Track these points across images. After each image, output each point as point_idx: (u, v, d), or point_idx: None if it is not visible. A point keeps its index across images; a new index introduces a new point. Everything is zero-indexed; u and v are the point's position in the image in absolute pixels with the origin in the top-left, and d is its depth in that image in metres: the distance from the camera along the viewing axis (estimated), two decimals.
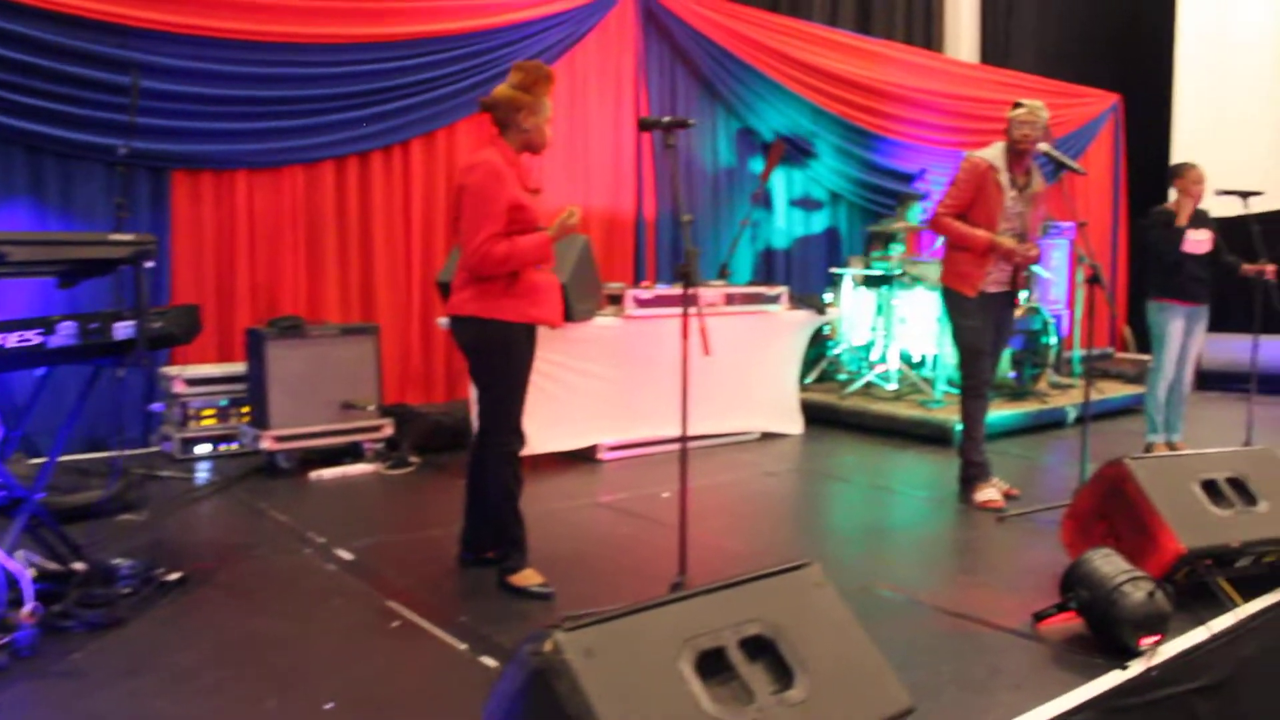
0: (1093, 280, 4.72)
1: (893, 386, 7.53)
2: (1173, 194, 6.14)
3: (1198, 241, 6.06)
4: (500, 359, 3.82)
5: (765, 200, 9.15)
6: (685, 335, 3.61)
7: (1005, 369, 7.38)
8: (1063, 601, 3.32)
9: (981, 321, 5.06)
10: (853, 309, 7.93)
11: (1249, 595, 3.71)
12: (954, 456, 6.20)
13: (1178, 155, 12.86)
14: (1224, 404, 8.63)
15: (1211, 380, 9.32)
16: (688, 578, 3.57)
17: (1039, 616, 3.41)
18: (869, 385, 7.57)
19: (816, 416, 7.34)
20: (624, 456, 6.15)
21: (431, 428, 6.28)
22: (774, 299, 6.64)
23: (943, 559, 4.28)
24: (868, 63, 9.70)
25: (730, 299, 6.44)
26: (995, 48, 12.44)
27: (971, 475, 5.15)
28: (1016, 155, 5.00)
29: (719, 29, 8.48)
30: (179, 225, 6.35)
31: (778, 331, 6.72)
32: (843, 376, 7.79)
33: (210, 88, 6.20)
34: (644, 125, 3.67)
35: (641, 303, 6.07)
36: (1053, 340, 7.75)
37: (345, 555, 4.26)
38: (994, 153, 5.03)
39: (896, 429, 6.83)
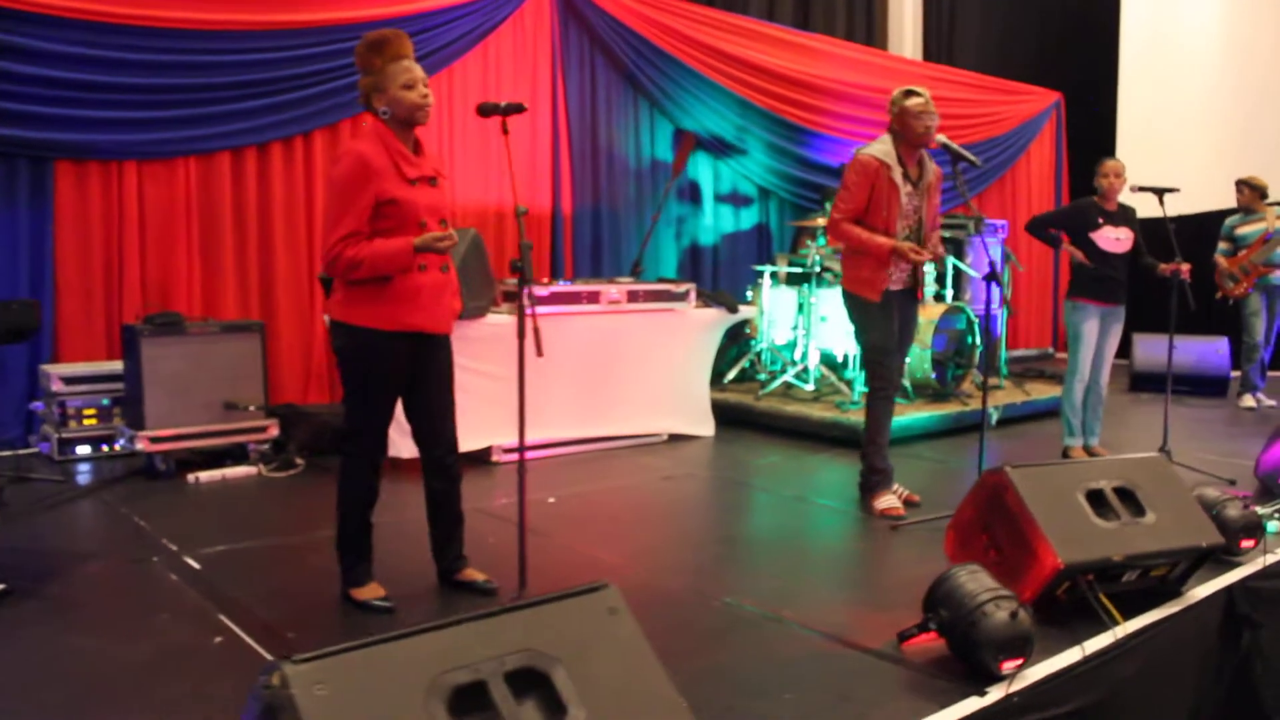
0: (989, 278, 4.53)
1: (810, 387, 7.32)
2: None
3: (1116, 239, 5.89)
4: (365, 368, 3.55)
5: (691, 195, 8.93)
6: (520, 335, 3.36)
7: (927, 370, 7.18)
8: (923, 621, 3.11)
9: (885, 322, 4.85)
10: (775, 307, 7.71)
11: (1134, 611, 3.52)
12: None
13: (1122, 154, 12.81)
14: (1155, 406, 8.47)
15: (1143, 381, 9.18)
16: (527, 592, 3.32)
17: (903, 636, 3.19)
18: (788, 386, 7.36)
19: (732, 417, 7.13)
20: (517, 460, 5.87)
21: (319, 428, 6.01)
22: (681, 296, 6.42)
23: (823, 571, 4.06)
24: (800, 57, 9.52)
25: (633, 296, 6.20)
26: (938, 46, 12.32)
27: (873, 482, 4.94)
28: (909, 148, 4.79)
29: (641, 19, 8.25)
30: (63, 217, 6.06)
31: (686, 330, 6.49)
32: (763, 376, 7.57)
33: (100, 75, 5.91)
34: (482, 111, 3.43)
35: (537, 299, 5.81)
36: (978, 339, 7.57)
37: (193, 564, 4.00)
38: (883, 148, 4.81)
39: (809, 431, 6.63)
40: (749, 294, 7.93)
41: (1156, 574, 3.66)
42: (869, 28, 11.90)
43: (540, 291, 5.84)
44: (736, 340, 8.03)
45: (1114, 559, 3.42)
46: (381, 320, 3.48)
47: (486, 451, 5.84)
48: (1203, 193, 10.31)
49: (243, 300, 6.63)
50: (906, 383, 7.23)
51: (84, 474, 5.45)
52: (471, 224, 7.55)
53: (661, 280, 6.59)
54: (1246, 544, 4.10)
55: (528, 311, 3.39)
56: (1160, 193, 5.81)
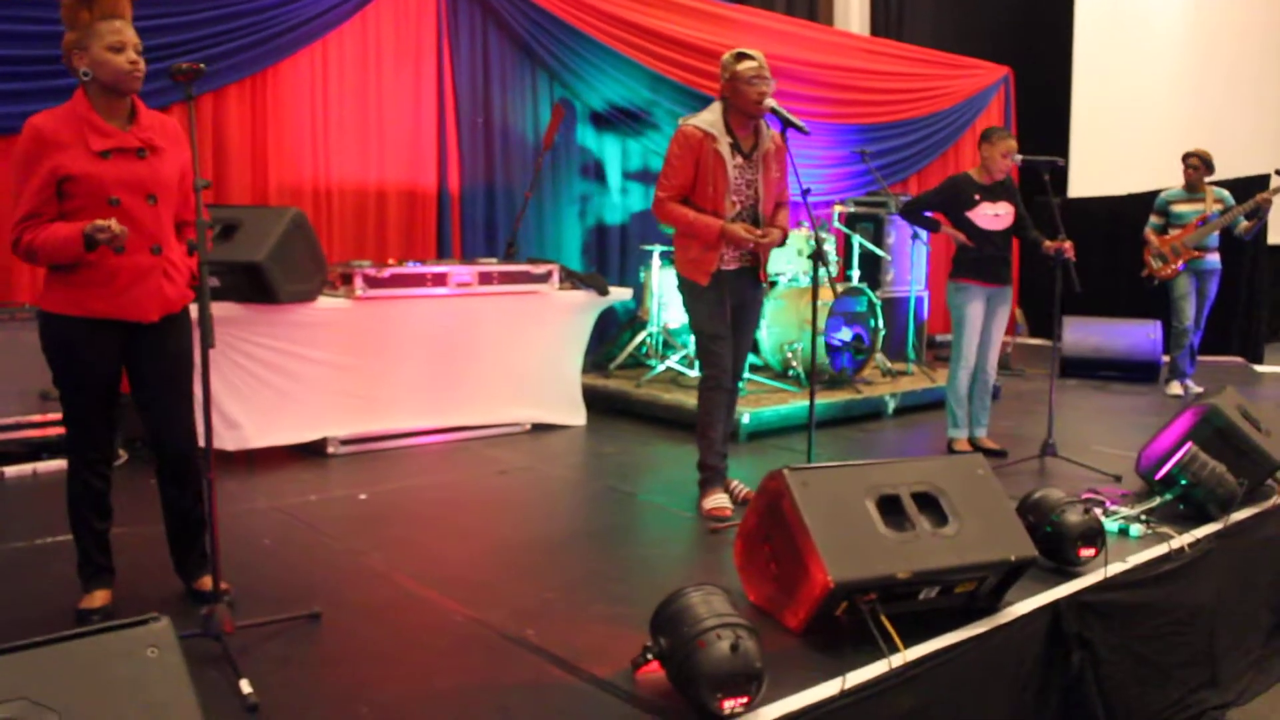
0: (814, 257, 4.11)
1: (695, 374, 6.89)
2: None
3: (995, 215, 5.46)
4: (63, 360, 3.18)
5: (596, 174, 8.49)
6: (202, 324, 2.94)
7: (822, 356, 6.76)
8: (646, 648, 2.70)
9: (716, 306, 4.43)
10: (668, 289, 7.28)
11: (936, 632, 3.12)
12: (739, 451, 5.65)
13: (1076, 132, 12.39)
14: (1079, 393, 8.06)
15: (1073, 366, 8.75)
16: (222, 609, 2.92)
17: (635, 664, 2.78)
18: (674, 373, 6.94)
19: (611, 406, 6.74)
20: (358, 451, 5.50)
21: None
22: (542, 278, 6.00)
23: (602, 582, 3.64)
24: (718, 28, 9.05)
25: (486, 278, 5.78)
26: (887, 22, 11.85)
27: (704, 479, 4.53)
28: (740, 116, 4.35)
29: None
30: None
31: (551, 313, 6.08)
32: (654, 362, 7.14)
33: None
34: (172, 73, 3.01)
35: (373, 282, 5.41)
36: (880, 323, 7.15)
37: None
38: (710, 117, 4.38)
39: (686, 421, 6.18)
40: (641, 275, 7.51)
41: (961, 590, 3.24)
42: (811, 4, 11.44)
43: (376, 273, 5.42)
44: (631, 324, 7.62)
45: (899, 576, 3.01)
46: (74, 307, 3.11)
47: (322, 443, 5.43)
48: (1159, 170, 9.88)
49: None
50: (798, 368, 6.82)
51: None
52: (350, 201, 7.15)
53: (531, 261, 6.17)
54: (1086, 553, 3.69)
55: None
56: (1045, 166, 5.36)
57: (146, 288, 3.16)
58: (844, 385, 6.85)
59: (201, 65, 2.97)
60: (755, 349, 7.22)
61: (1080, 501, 3.77)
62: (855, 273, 7.73)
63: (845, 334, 7.17)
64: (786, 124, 4.23)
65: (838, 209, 7.82)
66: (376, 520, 4.34)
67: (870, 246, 8.05)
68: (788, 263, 7.08)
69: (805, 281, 7.17)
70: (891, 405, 6.83)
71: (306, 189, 6.92)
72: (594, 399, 6.81)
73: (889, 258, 8.39)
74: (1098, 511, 4.32)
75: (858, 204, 8.95)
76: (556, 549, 4.02)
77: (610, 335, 8.00)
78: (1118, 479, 5.11)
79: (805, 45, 9.79)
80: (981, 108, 11.64)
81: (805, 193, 4.19)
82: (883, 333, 7.21)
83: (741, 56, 4.32)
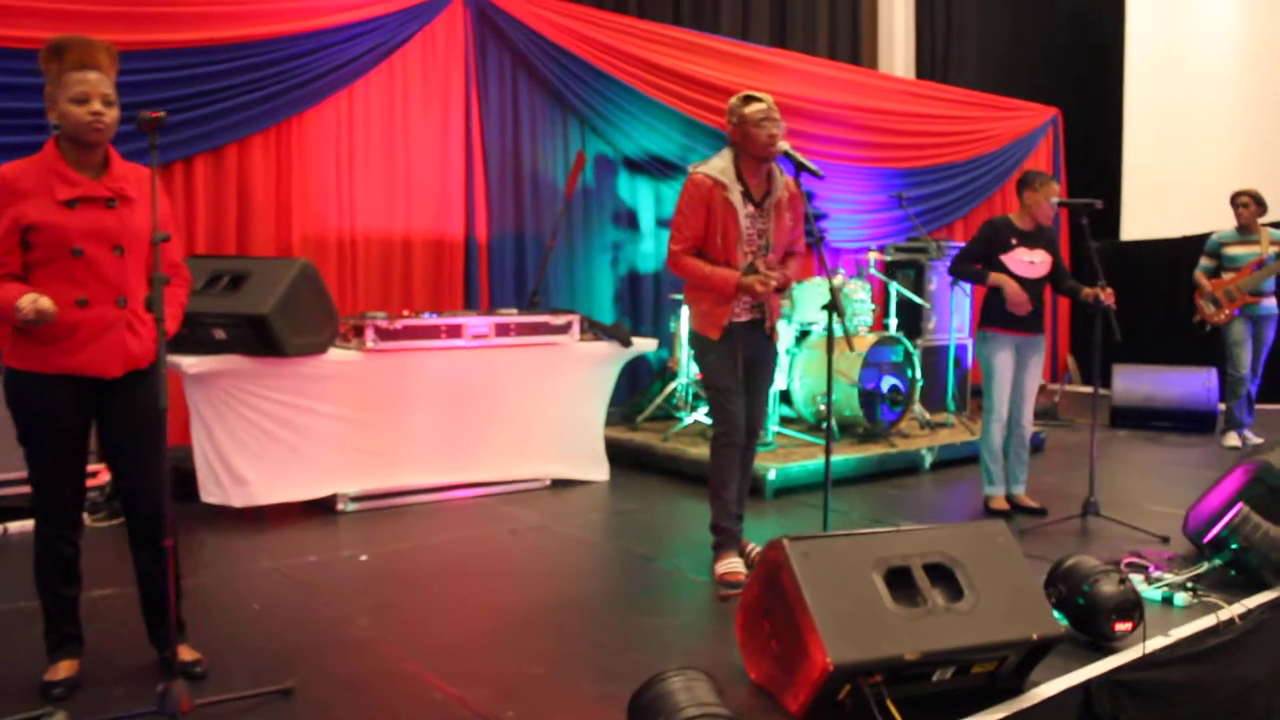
0: (828, 307, 3.91)
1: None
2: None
3: (1030, 263, 5.21)
4: (25, 418, 3.07)
5: (629, 221, 8.36)
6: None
7: (856, 408, 6.51)
8: None
9: (728, 360, 4.23)
10: None
11: (950, 718, 2.87)
12: (764, 510, 5.43)
13: (1129, 173, 12.04)
14: (1130, 445, 7.70)
15: (1124, 416, 8.38)
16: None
17: None
18: (701, 426, 6.72)
19: (636, 460, 6.54)
20: (370, 508, 5.35)
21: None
22: (562, 329, 5.83)
23: (598, 655, 3.41)
24: (753, 71, 8.92)
25: (503, 330, 5.63)
26: (932, 64, 11.64)
27: (717, 542, 4.31)
28: (751, 162, 4.17)
29: (567, 34, 7.72)
30: None
31: (572, 365, 5.90)
32: (683, 414, 6.93)
33: None
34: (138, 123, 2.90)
35: (385, 334, 5.28)
36: (917, 374, 6.88)
37: None
38: (720, 164, 4.20)
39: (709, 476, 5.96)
40: (672, 325, 7.33)
41: (980, 670, 2.98)
42: (854, 46, 11.26)
43: (389, 325, 5.29)
44: (662, 375, 7.43)
45: (906, 657, 2.76)
46: (36, 362, 3.00)
47: (331, 500, 5.29)
48: (1216, 212, 9.52)
49: None
50: (833, 423, 6.56)
51: None
52: (375, 251, 7.08)
53: (552, 311, 6.01)
54: (1121, 627, 3.41)
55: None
56: (1082, 209, 5.11)
57: (109, 342, 3.03)
58: (879, 438, 6.57)
59: (164, 114, 2.85)
60: (788, 401, 6.99)
61: (1115, 570, 3.49)
62: (893, 321, 7.47)
63: (889, 383, 6.90)
64: (800, 168, 4.04)
65: (873, 256, 7.56)
66: (373, 583, 4.17)
67: (908, 294, 7.79)
68: (820, 311, 6.84)
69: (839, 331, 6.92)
70: (929, 459, 6.54)
71: (331, 239, 6.86)
72: (619, 453, 6.62)
73: (928, 305, 8.10)
74: (1139, 579, 4.05)
75: (898, 250, 8.72)
76: (555, 616, 3.81)
77: (643, 386, 7.82)
78: (1165, 540, 4.80)
79: (845, 88, 9.63)
80: (1029, 150, 11.38)
81: (819, 240, 3.97)
82: (920, 383, 6.94)
83: (749, 99, 4.14)
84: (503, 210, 7.62)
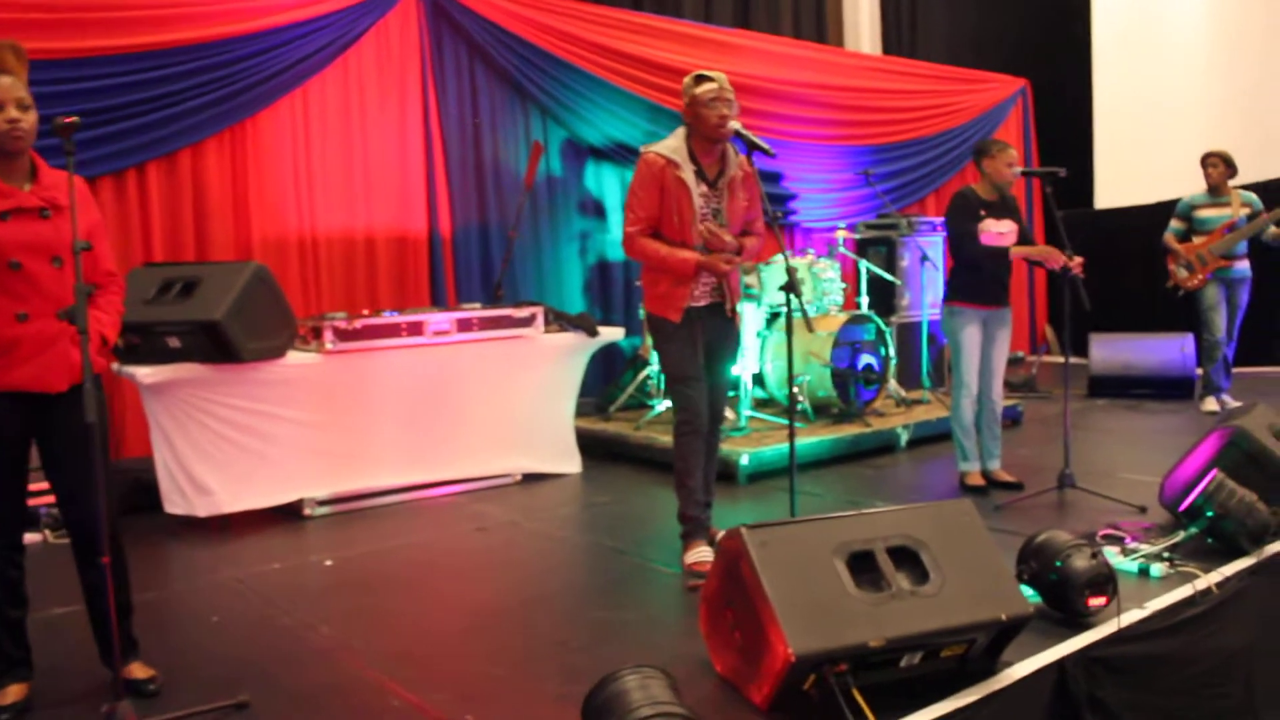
0: (785, 288, 3.82)
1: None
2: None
3: (999, 234, 5.14)
4: None
5: (595, 210, 8.26)
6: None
7: (829, 388, 6.44)
8: None
9: (688, 345, 4.15)
10: None
11: (921, 703, 2.80)
12: (738, 496, 5.36)
13: (1100, 141, 11.99)
14: (1107, 414, 7.65)
15: (1102, 385, 8.34)
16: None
17: None
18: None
19: (609, 450, 6.46)
20: (337, 511, 5.26)
21: (131, 486, 5.41)
22: (526, 321, 5.74)
23: (563, 653, 3.33)
24: (715, 53, 8.82)
25: (465, 325, 5.54)
26: (899, 39, 11.56)
27: (685, 531, 4.23)
28: (704, 142, 4.09)
29: (523, 23, 7.60)
30: None
31: (538, 358, 5.82)
32: (655, 403, 6.84)
33: None
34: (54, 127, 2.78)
35: (344, 334, 5.18)
36: (890, 351, 6.81)
37: None
38: (673, 144, 4.13)
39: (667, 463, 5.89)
40: (642, 313, 7.24)
41: (949, 654, 2.91)
42: (819, 26, 11.16)
43: (347, 325, 5.19)
44: (634, 364, 7.35)
45: (870, 644, 2.69)
46: None
47: (298, 505, 5.19)
48: (1191, 177, 9.48)
49: None
50: (805, 404, 6.50)
51: None
52: (337, 250, 6.97)
53: (516, 304, 5.92)
54: (1095, 602, 3.34)
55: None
56: (1045, 176, 5.03)
57: (52, 356, 2.94)
58: (854, 418, 6.50)
59: (77, 119, 2.73)
60: (761, 384, 6.92)
61: (1087, 544, 3.42)
62: (864, 299, 7.40)
63: (864, 361, 6.80)
64: (751, 147, 3.95)
65: (841, 234, 7.48)
66: (336, 589, 4.08)
67: (878, 271, 7.71)
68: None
69: (809, 311, 6.87)
70: (904, 437, 6.48)
71: (292, 240, 6.74)
72: (592, 443, 6.54)
73: (900, 282, 8.03)
74: (1114, 551, 3.99)
75: (869, 227, 8.64)
76: (521, 614, 3.73)
77: (616, 375, 7.74)
78: (1143, 510, 4.74)
79: (809, 67, 9.54)
80: (999, 122, 11.32)
81: (775, 219, 3.88)
82: (894, 361, 6.88)
83: (701, 79, 4.06)
84: (465, 204, 7.51)
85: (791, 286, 3.75)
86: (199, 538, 4.90)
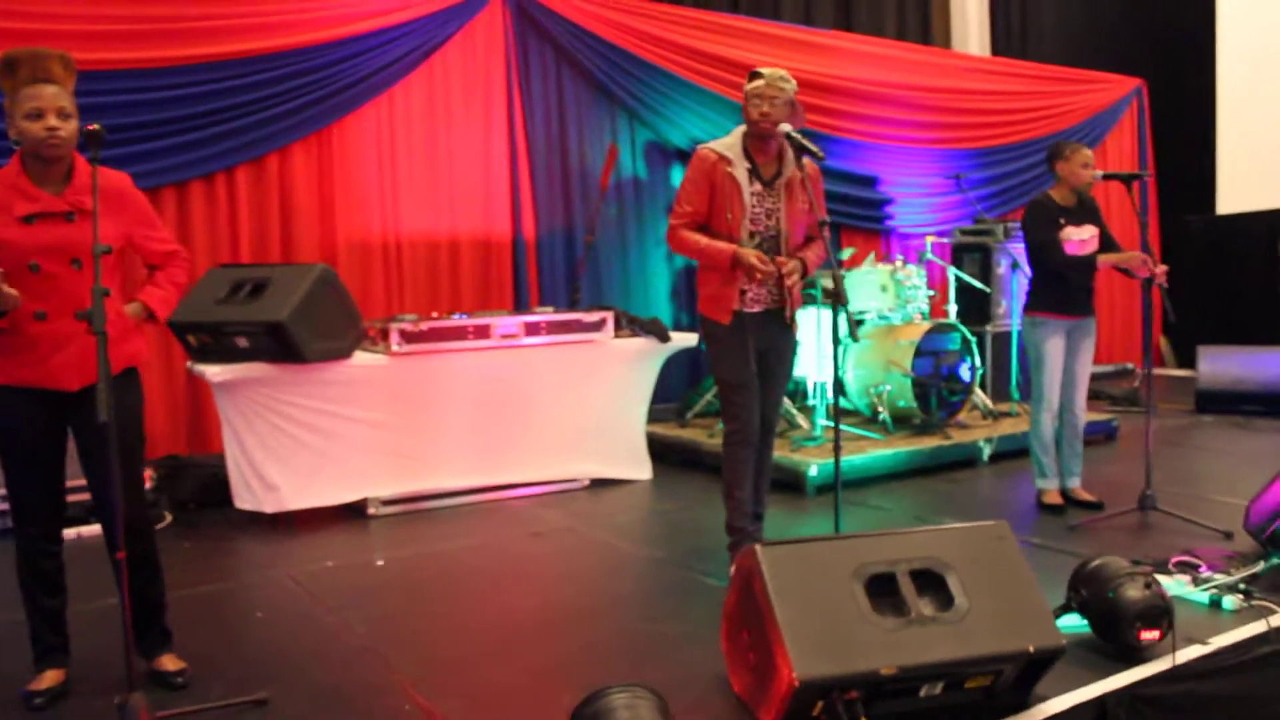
0: (831, 294, 3.70)
1: None
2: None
3: (1081, 241, 4.90)
4: None
5: None
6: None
7: (910, 399, 6.25)
8: None
9: (739, 350, 4.06)
10: None
11: None
12: (805, 508, 5.25)
13: (1224, 143, 11.39)
14: (1214, 431, 7.25)
15: (1210, 401, 7.91)
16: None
17: None
18: None
19: (683, 457, 6.40)
20: (401, 511, 5.32)
21: (207, 481, 5.59)
22: (596, 326, 5.71)
23: (586, 666, 3.27)
24: (809, 55, 8.69)
25: (533, 329, 5.54)
26: (1009, 38, 11.18)
27: (732, 543, 4.14)
28: (758, 140, 3.99)
29: (610, 25, 7.60)
30: None
31: (608, 362, 5.78)
32: None
33: None
34: None
35: (410, 336, 5.23)
36: (976, 361, 6.57)
37: None
38: (728, 141, 4.04)
39: None
40: None
41: (974, 685, 2.77)
42: (924, 27, 10.88)
43: (413, 328, 5.25)
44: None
45: (882, 672, 2.57)
46: (2, 375, 2.98)
47: (362, 504, 5.27)
48: None
49: (161, 349, 6.20)
50: (885, 414, 6.32)
51: None
52: (421, 253, 7.07)
53: (586, 308, 5.90)
54: (1148, 635, 3.14)
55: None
56: (1127, 179, 4.79)
57: (68, 355, 3.02)
58: (934, 430, 6.29)
59: (100, 127, 2.79)
60: (843, 392, 6.76)
61: (1142, 573, 3.22)
62: (952, 307, 7.16)
63: (955, 368, 6.57)
64: (800, 150, 3.83)
65: (930, 240, 7.25)
66: (382, 589, 4.12)
67: (966, 278, 7.45)
68: (869, 299, 6.60)
69: (894, 319, 6.68)
70: (987, 451, 6.24)
71: (376, 243, 6.87)
72: (667, 450, 6.49)
73: (990, 290, 7.74)
74: (1185, 580, 3.76)
75: (964, 233, 8.37)
76: (556, 623, 3.70)
77: (698, 381, 7.67)
78: (1228, 536, 4.46)
79: (907, 68, 9.31)
80: (1111, 123, 10.87)
81: (823, 224, 3.75)
82: (981, 371, 6.64)
83: (752, 76, 3.97)
84: (550, 207, 7.54)
85: (837, 296, 3.62)
86: (265, 533, 5.01)
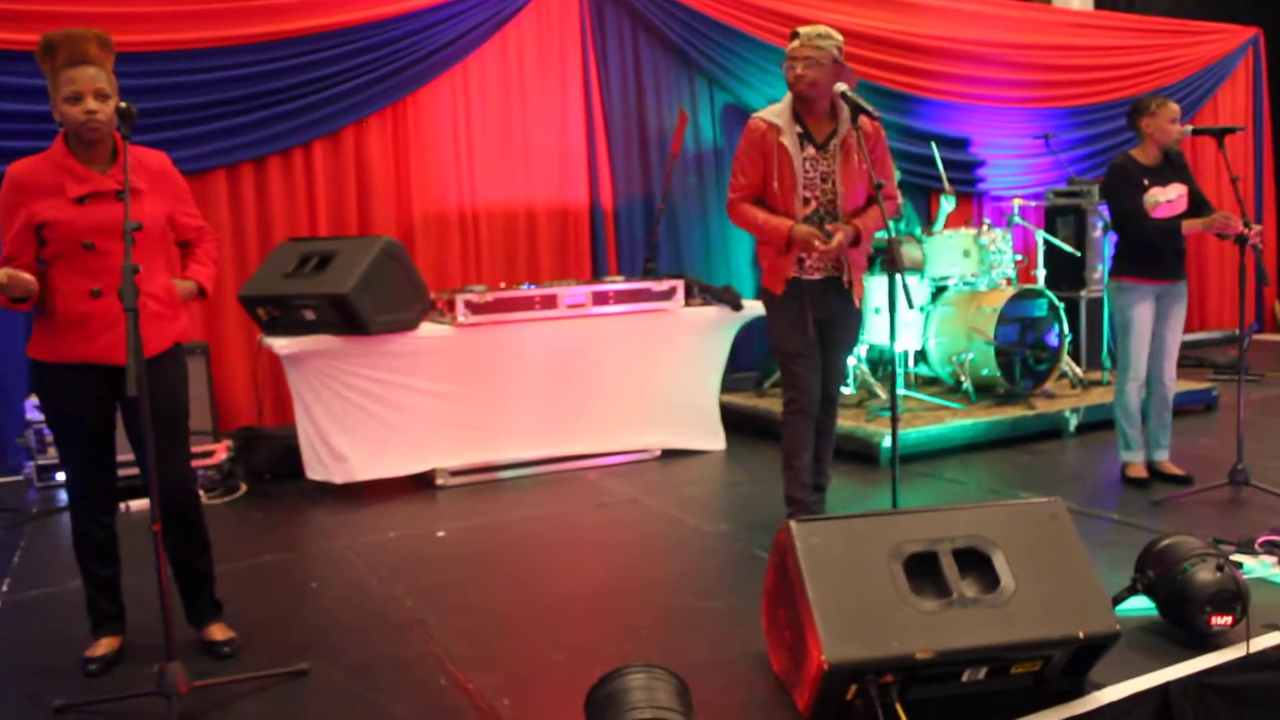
0: (886, 262, 3.54)
1: (848, 390, 6.31)
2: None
3: (1169, 202, 4.62)
4: (51, 408, 3.17)
5: None
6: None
7: (993, 367, 6.02)
8: None
9: (795, 319, 3.94)
10: None
11: None
12: (876, 480, 5.12)
13: None
14: None
15: None
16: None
17: None
18: None
19: (758, 428, 6.27)
20: (469, 482, 5.33)
21: (282, 451, 5.67)
22: (666, 294, 5.62)
23: (624, 642, 3.22)
24: (893, 14, 8.41)
25: (601, 299, 5.48)
26: None
27: (790, 514, 4.02)
28: (805, 102, 3.85)
29: None
30: None
31: (679, 332, 5.69)
32: None
33: None
34: None
35: (475, 308, 5.22)
36: (1064, 328, 6.29)
37: None
38: (778, 108, 3.93)
39: None
40: None
41: (1021, 670, 2.63)
42: None
43: (479, 299, 5.23)
44: None
45: (917, 656, 2.45)
46: (54, 353, 3.10)
47: (431, 475, 5.30)
48: None
49: (246, 323, 6.28)
50: (968, 383, 6.10)
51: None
52: (498, 224, 7.06)
53: (657, 276, 5.82)
54: (1219, 621, 2.95)
55: None
56: (1220, 134, 4.49)
57: (121, 331, 3.05)
58: (1019, 400, 6.06)
59: (133, 107, 2.80)
60: (925, 360, 6.56)
61: (1215, 554, 3.02)
62: (1041, 272, 6.87)
63: (1046, 334, 6.31)
64: (856, 109, 3.68)
65: (1018, 203, 6.94)
66: (437, 561, 4.13)
67: (1056, 242, 7.14)
68: (952, 265, 6.37)
69: (980, 285, 6.43)
70: (1073, 422, 5.98)
71: (453, 215, 6.88)
72: (743, 420, 6.39)
73: (1080, 254, 7.39)
74: (1270, 561, 3.53)
75: (1059, 195, 8.02)
76: (603, 598, 3.65)
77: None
78: None
79: (1000, 25, 8.95)
80: (1224, 75, 10.29)
81: (878, 187, 3.59)
82: (1069, 338, 6.36)
83: (792, 35, 3.83)
84: (628, 175, 7.45)
85: (892, 262, 3.46)
86: (333, 503, 5.07)
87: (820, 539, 2.61)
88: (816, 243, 3.77)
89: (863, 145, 3.82)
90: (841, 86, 3.74)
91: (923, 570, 2.61)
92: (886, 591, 2.55)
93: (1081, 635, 2.54)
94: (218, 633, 3.29)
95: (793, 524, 2.64)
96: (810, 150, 3.87)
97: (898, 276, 3.50)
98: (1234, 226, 4.41)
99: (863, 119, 3.82)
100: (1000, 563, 2.63)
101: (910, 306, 3.42)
